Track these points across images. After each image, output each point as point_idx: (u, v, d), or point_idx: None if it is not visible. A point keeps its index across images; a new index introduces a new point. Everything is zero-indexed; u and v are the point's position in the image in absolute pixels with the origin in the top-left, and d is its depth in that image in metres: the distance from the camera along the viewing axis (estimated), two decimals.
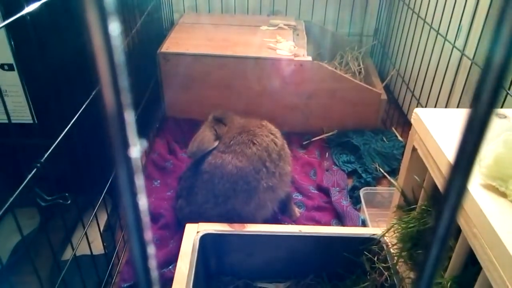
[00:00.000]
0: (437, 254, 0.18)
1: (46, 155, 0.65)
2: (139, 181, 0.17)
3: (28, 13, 0.62)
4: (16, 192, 0.58)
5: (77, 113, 0.76)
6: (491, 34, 0.15)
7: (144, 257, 0.18)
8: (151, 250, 0.18)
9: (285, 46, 1.58)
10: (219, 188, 1.06)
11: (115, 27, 0.15)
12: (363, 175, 1.40)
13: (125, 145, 0.16)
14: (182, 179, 1.17)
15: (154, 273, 0.19)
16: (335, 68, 1.80)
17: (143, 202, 0.17)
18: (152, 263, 0.18)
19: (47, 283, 0.95)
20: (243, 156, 1.06)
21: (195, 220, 1.04)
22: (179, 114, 1.64)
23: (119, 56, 0.15)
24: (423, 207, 0.80)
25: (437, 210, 0.18)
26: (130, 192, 0.17)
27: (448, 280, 0.69)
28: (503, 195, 0.61)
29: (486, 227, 0.57)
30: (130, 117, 0.16)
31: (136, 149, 0.17)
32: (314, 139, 1.60)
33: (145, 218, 0.18)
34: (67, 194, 0.69)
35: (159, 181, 1.35)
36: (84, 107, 0.86)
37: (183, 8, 2.07)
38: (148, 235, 0.18)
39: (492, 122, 0.16)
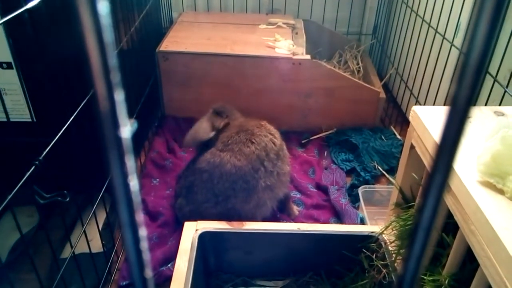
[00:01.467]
0: (421, 245, 0.19)
1: (44, 153, 0.65)
2: (130, 162, 0.17)
3: (26, 10, 0.62)
4: (15, 190, 0.58)
5: (76, 111, 0.76)
6: (470, 31, 0.16)
7: (136, 239, 0.18)
8: (142, 232, 0.18)
9: (283, 45, 1.58)
10: (219, 188, 1.06)
11: (103, 6, 0.15)
12: (362, 173, 1.40)
13: (115, 125, 0.16)
14: (181, 178, 1.17)
15: (146, 255, 0.19)
16: (334, 67, 1.80)
17: (134, 183, 0.17)
18: (144, 245, 0.18)
19: (46, 281, 0.95)
20: (241, 155, 1.07)
21: (194, 220, 1.04)
22: (178, 113, 1.64)
23: (108, 35, 0.15)
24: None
25: (421, 201, 0.18)
26: (121, 173, 0.17)
27: (446, 277, 0.70)
28: (501, 192, 0.61)
29: (484, 224, 0.57)
30: (120, 96, 0.16)
31: (126, 129, 0.17)
32: (312, 137, 1.60)
33: (136, 199, 0.18)
34: (65, 191, 0.69)
35: (158, 179, 1.35)
36: (83, 105, 0.87)
37: (182, 7, 2.07)
38: (140, 217, 0.18)
39: (467, 121, 0.17)
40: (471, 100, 0.16)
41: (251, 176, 1.06)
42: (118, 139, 0.17)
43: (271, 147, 1.10)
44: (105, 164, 0.17)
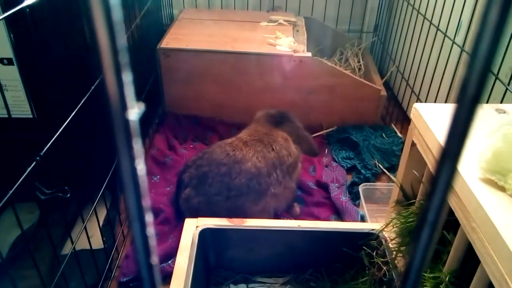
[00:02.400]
0: (427, 241, 0.18)
1: (45, 149, 0.65)
2: (137, 145, 0.17)
3: (27, 6, 0.62)
4: (16, 185, 0.58)
5: (77, 107, 0.76)
6: (477, 30, 0.16)
7: (143, 224, 0.18)
8: (149, 218, 0.18)
9: (285, 42, 1.58)
10: (235, 183, 1.07)
11: None
12: (362, 171, 1.40)
13: (123, 106, 0.16)
14: (190, 166, 1.14)
15: (153, 241, 0.19)
16: (335, 64, 1.80)
17: (141, 167, 0.17)
18: (151, 231, 0.18)
19: (47, 277, 0.95)
20: (262, 158, 1.10)
21: (202, 212, 1.05)
22: (179, 110, 1.64)
23: (117, 14, 0.15)
24: (422, 201, 0.80)
25: (427, 198, 0.18)
26: (128, 156, 0.17)
27: (447, 274, 0.70)
28: (502, 189, 0.61)
29: (485, 221, 0.57)
30: (127, 77, 0.16)
31: (134, 112, 0.16)
32: (313, 135, 1.60)
33: (143, 184, 0.18)
34: (66, 187, 0.69)
35: (158, 176, 1.35)
36: (84, 102, 0.86)
37: (183, 4, 2.07)
38: (147, 201, 0.18)
39: (476, 116, 0.16)
40: (478, 99, 0.16)
41: (264, 179, 1.09)
42: (126, 122, 0.16)
43: (285, 160, 1.14)
44: (112, 147, 0.17)
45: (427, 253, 0.19)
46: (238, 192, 1.07)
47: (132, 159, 0.17)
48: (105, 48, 0.15)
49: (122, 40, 0.15)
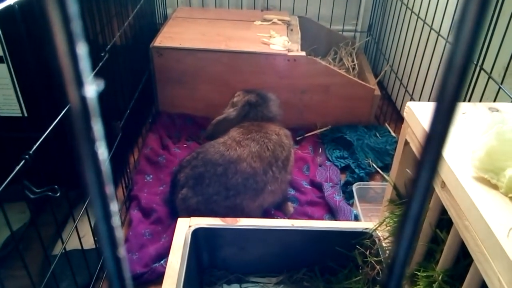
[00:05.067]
0: (410, 234, 0.18)
1: (34, 148, 0.64)
2: (97, 126, 0.16)
3: (16, 3, 0.61)
4: (4, 184, 0.57)
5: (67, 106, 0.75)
6: (454, 32, 0.16)
7: (107, 213, 0.16)
8: (114, 206, 0.17)
9: (278, 41, 1.57)
10: (232, 182, 1.08)
11: None
12: (356, 170, 1.40)
13: (79, 82, 0.15)
14: (185, 167, 1.14)
15: (119, 233, 0.18)
16: (329, 64, 1.79)
17: (102, 151, 0.16)
18: (116, 221, 0.17)
19: (38, 277, 0.94)
20: (257, 157, 1.11)
21: (200, 211, 1.06)
22: (172, 109, 1.63)
23: None
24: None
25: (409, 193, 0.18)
26: (87, 138, 0.15)
27: (440, 273, 0.69)
28: (495, 187, 0.61)
29: (478, 220, 0.57)
30: (82, 50, 0.14)
31: (91, 88, 0.15)
32: (307, 134, 1.60)
33: (106, 169, 0.16)
34: (56, 186, 0.68)
35: (151, 176, 1.34)
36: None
37: (177, 3, 2.06)
38: (110, 189, 0.17)
39: (456, 114, 0.16)
40: (458, 96, 0.15)
41: (261, 177, 1.11)
42: (83, 99, 0.15)
43: (280, 156, 1.15)
44: (69, 129, 0.15)
45: (410, 246, 0.18)
46: (236, 191, 1.09)
47: (91, 142, 0.15)
48: (55, 16, 0.14)
49: (73, 7, 0.14)
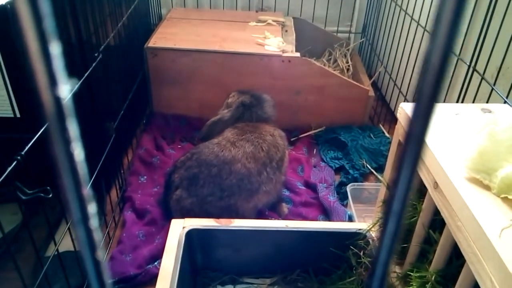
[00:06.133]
0: (394, 230, 0.18)
1: (26, 148, 0.64)
2: (72, 126, 0.15)
3: (8, 2, 0.61)
4: None
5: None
6: (431, 33, 0.16)
7: (85, 215, 0.16)
8: (91, 208, 0.16)
9: (273, 42, 1.57)
10: (227, 183, 1.08)
11: None
12: (350, 171, 1.40)
13: (53, 82, 0.14)
14: (179, 168, 1.13)
15: (98, 235, 0.17)
16: (324, 65, 1.80)
17: (78, 151, 0.16)
18: (93, 224, 0.17)
19: (30, 279, 0.94)
20: (251, 158, 1.11)
21: (194, 212, 1.06)
22: (167, 110, 1.63)
23: None
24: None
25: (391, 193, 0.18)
26: (62, 139, 0.15)
27: (433, 274, 0.70)
28: (487, 188, 0.61)
29: (470, 220, 0.57)
30: (55, 49, 0.14)
31: (65, 88, 0.15)
32: (302, 135, 1.60)
33: (82, 171, 0.16)
34: (48, 187, 0.67)
35: (145, 177, 1.34)
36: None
37: (171, 3, 2.06)
38: (86, 191, 0.16)
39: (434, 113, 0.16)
40: (435, 96, 0.15)
41: (255, 178, 1.11)
42: (57, 100, 0.14)
43: (274, 157, 1.16)
44: (44, 130, 0.14)
45: (393, 246, 0.18)
46: (230, 192, 1.09)
47: (67, 142, 0.15)
48: (26, 14, 0.13)
49: (45, 5, 0.13)
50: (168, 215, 1.14)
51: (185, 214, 1.07)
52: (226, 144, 1.12)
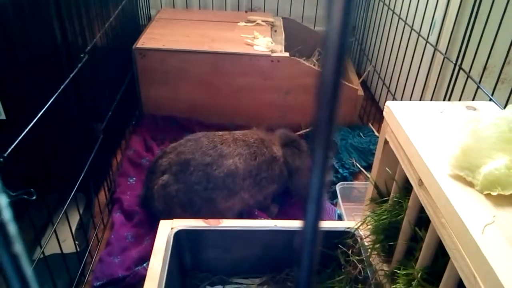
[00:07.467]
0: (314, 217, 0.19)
1: (9, 150, 0.63)
2: None
3: None
4: None
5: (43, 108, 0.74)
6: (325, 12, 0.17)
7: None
8: (2, 200, 0.16)
9: (262, 42, 1.57)
10: (214, 175, 1.08)
11: None
12: (340, 170, 1.40)
13: None
14: (170, 153, 1.13)
15: (12, 228, 0.17)
16: (313, 65, 1.80)
17: None
18: (6, 215, 0.17)
19: None
20: (244, 161, 1.12)
21: (177, 200, 1.07)
22: (156, 111, 1.62)
23: None
24: (395, 199, 0.81)
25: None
26: None
27: (419, 271, 0.70)
28: (471, 184, 0.62)
29: (453, 217, 0.58)
30: None
31: None
32: None
33: None
34: (32, 190, 0.67)
35: (134, 178, 1.33)
36: (54, 103, 0.84)
37: (160, 4, 2.05)
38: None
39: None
40: (338, 77, 0.16)
41: (239, 180, 1.11)
42: None
43: (261, 173, 1.15)
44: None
45: (316, 228, 0.19)
46: (215, 185, 1.09)
47: None
48: None
49: None
50: (147, 205, 1.15)
51: (168, 201, 1.07)
52: (229, 138, 1.14)
